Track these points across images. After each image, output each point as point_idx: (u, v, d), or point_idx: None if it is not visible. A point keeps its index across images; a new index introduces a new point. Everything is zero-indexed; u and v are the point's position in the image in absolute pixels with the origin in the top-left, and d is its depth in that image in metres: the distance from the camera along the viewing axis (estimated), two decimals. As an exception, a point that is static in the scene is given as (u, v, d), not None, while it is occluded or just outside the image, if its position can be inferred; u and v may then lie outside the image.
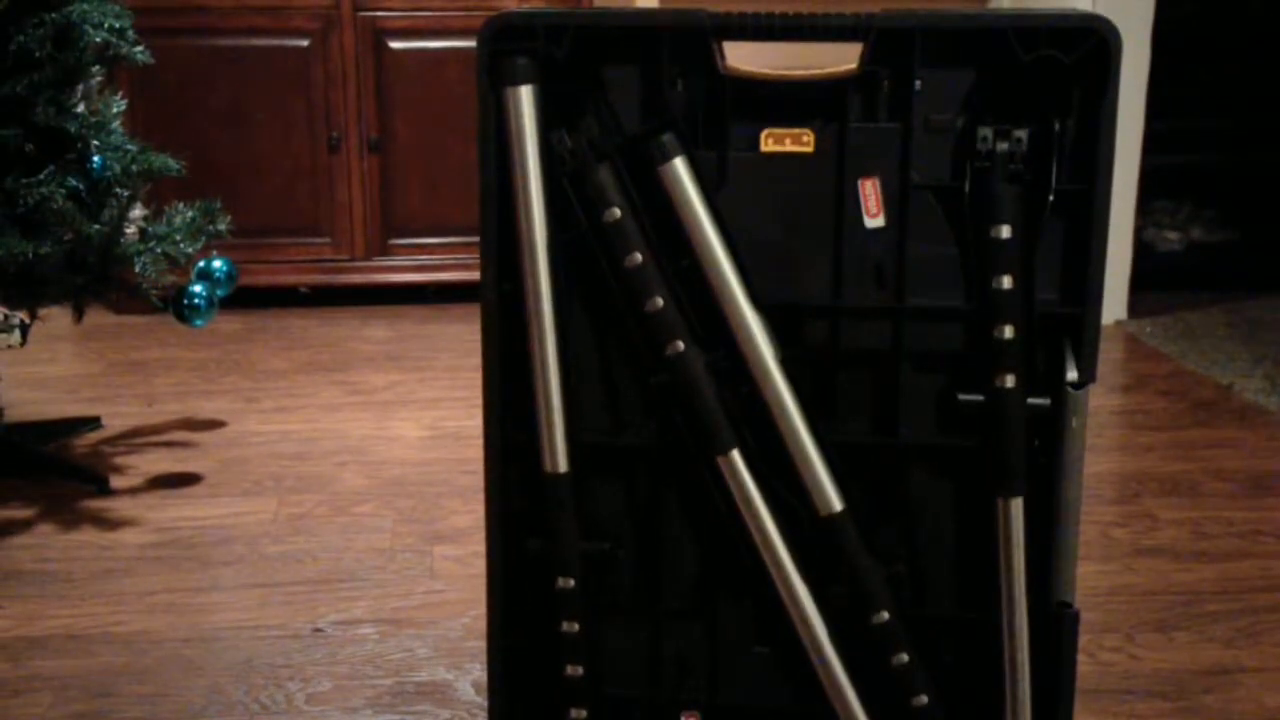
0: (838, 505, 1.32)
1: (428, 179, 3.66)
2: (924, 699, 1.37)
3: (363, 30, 3.56)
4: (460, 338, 3.47)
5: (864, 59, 1.26)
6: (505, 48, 1.26)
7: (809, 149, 1.28)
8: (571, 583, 1.39)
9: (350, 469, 2.54)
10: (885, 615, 1.35)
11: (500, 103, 1.27)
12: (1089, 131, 1.25)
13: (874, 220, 1.29)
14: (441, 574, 2.10)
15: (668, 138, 1.27)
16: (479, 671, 1.81)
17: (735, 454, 1.31)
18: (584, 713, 1.42)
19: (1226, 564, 2.15)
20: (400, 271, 3.72)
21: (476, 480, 2.51)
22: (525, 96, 1.26)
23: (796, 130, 1.28)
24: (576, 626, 1.40)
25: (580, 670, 1.41)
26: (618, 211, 1.28)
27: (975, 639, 1.37)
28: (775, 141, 1.28)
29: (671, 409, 1.34)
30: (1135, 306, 3.66)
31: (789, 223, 1.30)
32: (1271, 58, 4.16)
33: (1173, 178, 4.08)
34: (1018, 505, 1.30)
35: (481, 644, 1.89)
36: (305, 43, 3.55)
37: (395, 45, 3.58)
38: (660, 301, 1.29)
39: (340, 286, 3.71)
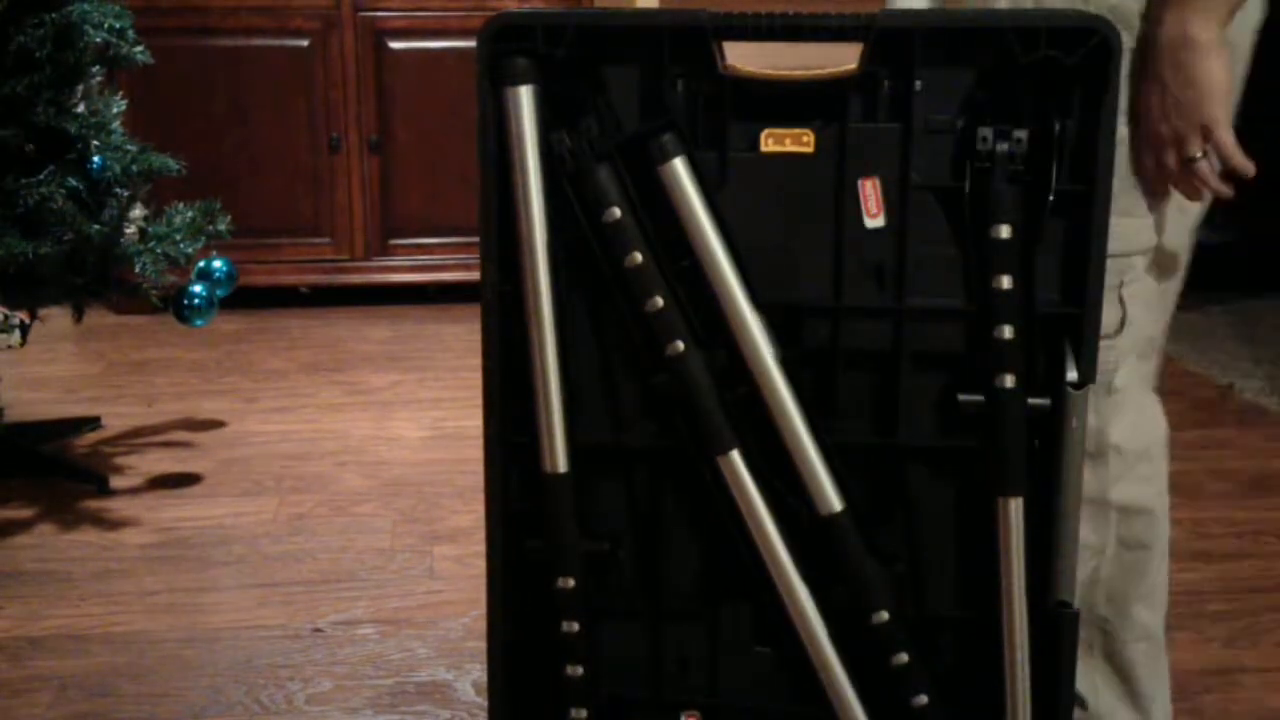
0: (837, 505, 1.32)
1: (428, 179, 3.66)
2: (924, 699, 1.36)
3: (363, 30, 3.55)
4: (460, 338, 3.47)
5: (864, 59, 1.26)
6: (505, 48, 1.26)
7: (809, 149, 1.28)
8: (571, 583, 1.38)
9: (350, 469, 2.54)
10: (885, 615, 1.34)
11: (500, 103, 1.27)
12: (1089, 132, 1.24)
13: (874, 220, 1.29)
14: (441, 574, 2.10)
15: (668, 138, 1.26)
16: (479, 671, 1.81)
17: (735, 454, 1.31)
18: (584, 713, 1.41)
19: (1227, 564, 2.15)
20: (400, 271, 3.72)
21: (476, 480, 2.51)
22: (525, 96, 1.26)
23: (796, 130, 1.27)
24: (576, 626, 1.39)
25: (580, 670, 1.40)
26: (617, 211, 1.28)
27: (975, 639, 1.37)
28: (775, 141, 1.28)
29: (671, 409, 1.33)
30: (1135, 306, 3.66)
31: (789, 223, 1.30)
32: (1271, 58, 4.16)
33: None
34: (1018, 505, 1.30)
35: (481, 644, 1.89)
36: (305, 43, 3.55)
37: (395, 45, 3.58)
38: (660, 301, 1.28)
39: (340, 286, 3.71)
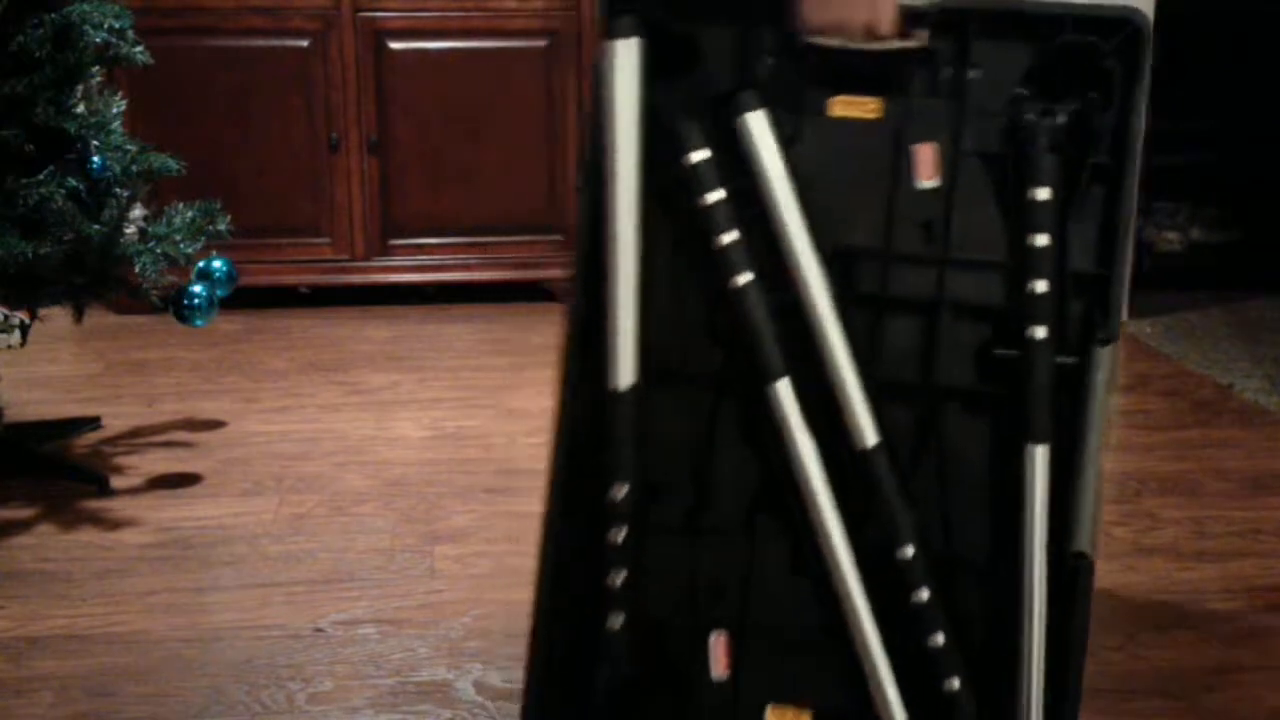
0: (873, 440, 1.41)
1: (428, 179, 3.66)
2: (940, 638, 1.42)
3: (363, 30, 3.56)
4: (460, 337, 3.47)
5: (927, 37, 1.39)
6: (618, 7, 1.42)
7: (876, 115, 1.41)
8: (624, 492, 1.45)
9: (350, 469, 2.54)
10: (910, 551, 1.41)
11: (610, 54, 1.42)
12: (1122, 111, 1.38)
13: (927, 182, 1.41)
14: (441, 574, 2.10)
15: (749, 94, 1.40)
16: (480, 671, 1.81)
17: (785, 383, 1.41)
18: (621, 618, 1.47)
19: (1226, 564, 2.15)
20: (400, 271, 3.72)
21: (477, 480, 2.52)
22: (630, 49, 1.42)
23: (866, 98, 1.41)
24: (623, 535, 1.46)
25: (622, 577, 1.47)
26: (701, 155, 1.42)
27: (996, 581, 1.43)
28: (846, 106, 1.42)
29: (732, 338, 1.43)
30: (1135, 306, 3.66)
31: (853, 179, 1.42)
32: (1272, 58, 4.16)
33: (1173, 178, 4.08)
34: (1043, 452, 1.38)
35: (482, 643, 1.89)
36: (305, 43, 3.55)
37: (395, 45, 3.58)
38: (730, 238, 1.41)
39: (340, 286, 3.71)
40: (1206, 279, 4.00)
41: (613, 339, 1.44)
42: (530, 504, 2.27)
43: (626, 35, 1.41)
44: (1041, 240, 1.37)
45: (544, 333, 3.46)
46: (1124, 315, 3.64)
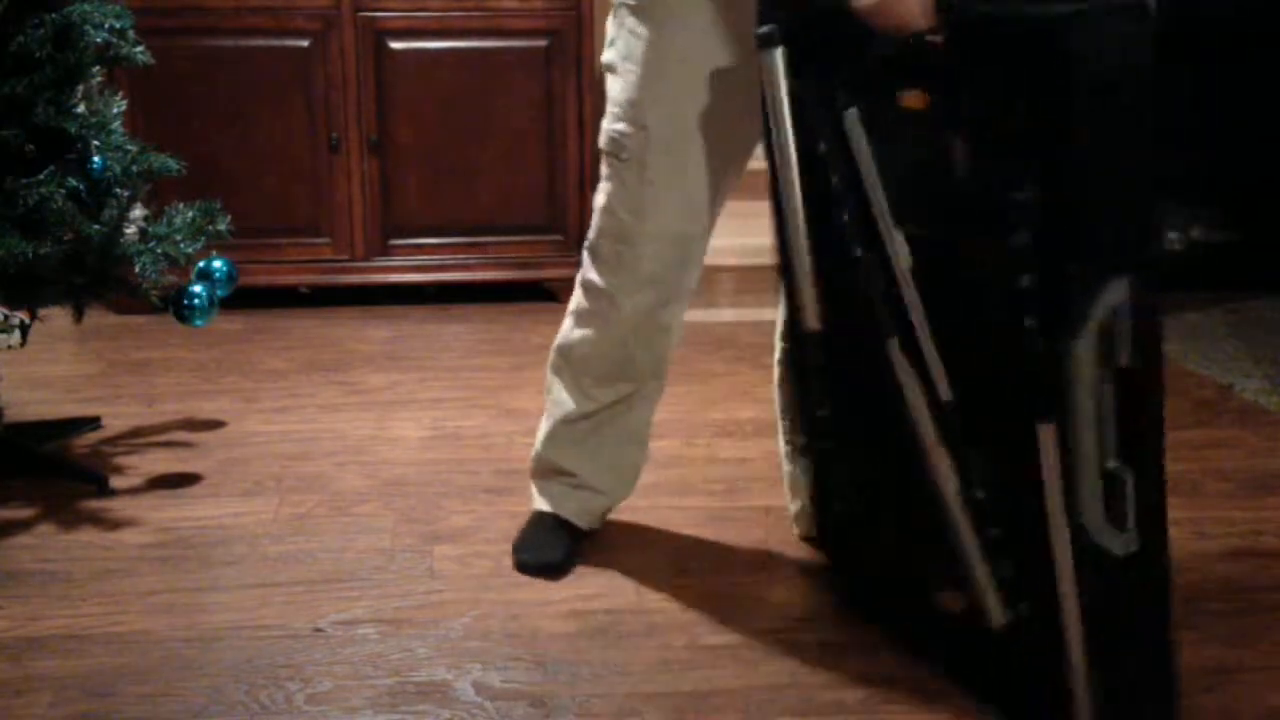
0: (947, 395, 1.60)
1: (428, 179, 3.66)
2: (1007, 568, 1.62)
3: (363, 30, 3.56)
4: (460, 337, 3.47)
5: (944, 37, 1.50)
6: (768, 18, 1.70)
7: (924, 106, 1.56)
8: (823, 410, 1.86)
9: (350, 469, 2.54)
10: (980, 494, 1.59)
11: (766, 61, 1.70)
12: (1074, 104, 1.41)
13: (962, 170, 1.53)
14: (441, 574, 2.10)
15: (849, 91, 1.61)
16: (479, 671, 1.81)
17: (894, 341, 1.64)
18: (830, 444, 1.91)
19: (1227, 564, 2.15)
20: (400, 271, 3.72)
21: (476, 480, 2.52)
22: (778, 57, 1.70)
23: (919, 91, 1.57)
24: (828, 444, 1.90)
25: (830, 446, 1.91)
26: (824, 145, 1.66)
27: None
28: (910, 99, 1.58)
29: (857, 300, 1.69)
30: (1135, 306, 3.65)
31: (914, 164, 1.59)
32: (1271, 57, 4.16)
33: (1173, 178, 4.07)
34: (1048, 430, 1.48)
35: (481, 644, 1.89)
36: (305, 43, 3.55)
37: (395, 45, 3.58)
38: (848, 215, 1.64)
39: (340, 286, 3.71)
40: (1206, 279, 3.99)
41: (800, 293, 1.79)
42: (530, 504, 2.27)
43: (775, 45, 1.69)
44: (1023, 238, 1.44)
45: (544, 333, 3.45)
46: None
